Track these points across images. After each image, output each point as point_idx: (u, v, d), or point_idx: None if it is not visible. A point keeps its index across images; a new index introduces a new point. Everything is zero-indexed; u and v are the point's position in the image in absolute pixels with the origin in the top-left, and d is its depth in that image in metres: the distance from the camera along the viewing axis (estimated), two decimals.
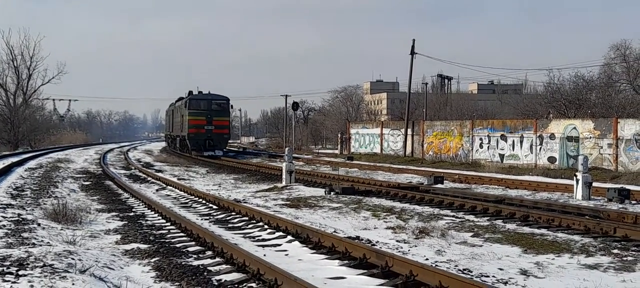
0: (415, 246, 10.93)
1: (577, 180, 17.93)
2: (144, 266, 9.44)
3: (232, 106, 48.97)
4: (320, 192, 19.66)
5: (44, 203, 16.08)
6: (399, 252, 10.22)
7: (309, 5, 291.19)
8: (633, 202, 16.99)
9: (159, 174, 28.33)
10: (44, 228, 12.16)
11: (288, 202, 17.55)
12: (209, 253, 10.23)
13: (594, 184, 18.72)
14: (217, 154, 44.59)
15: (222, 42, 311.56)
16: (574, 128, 30.32)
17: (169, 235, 12.04)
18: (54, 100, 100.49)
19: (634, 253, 10.28)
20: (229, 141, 56.46)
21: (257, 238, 11.94)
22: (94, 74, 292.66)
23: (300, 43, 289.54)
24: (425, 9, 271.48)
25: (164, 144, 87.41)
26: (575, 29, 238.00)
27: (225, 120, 48.66)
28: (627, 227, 11.98)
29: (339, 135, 53.76)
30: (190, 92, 51.20)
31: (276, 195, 19.59)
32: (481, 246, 11.00)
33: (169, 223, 13.58)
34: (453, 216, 14.49)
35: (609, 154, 28.35)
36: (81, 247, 10.48)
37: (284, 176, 22.80)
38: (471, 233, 12.16)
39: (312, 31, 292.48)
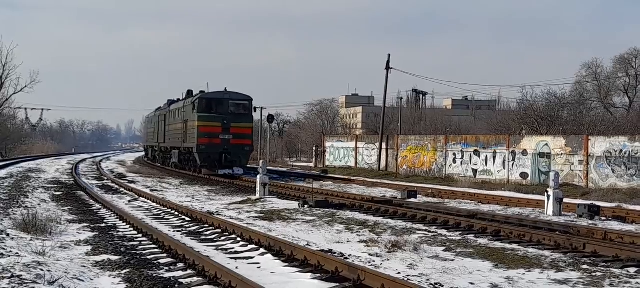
0: (388, 260, 10.96)
1: (549, 196, 18.11)
2: (115, 278, 9.35)
3: (255, 109, 37.15)
4: (294, 204, 19.64)
5: (14, 214, 15.86)
6: (371, 265, 10.24)
7: (285, 18, 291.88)
8: (603, 218, 17.20)
9: (132, 185, 28.10)
10: (13, 238, 11.98)
11: (261, 215, 17.50)
12: (180, 265, 10.16)
13: (565, 200, 18.91)
14: (237, 173, 33.92)
15: (198, 52, 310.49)
16: (546, 144, 30.67)
17: (140, 247, 11.95)
18: (26, 109, 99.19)
19: (603, 268, 10.41)
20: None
21: (229, 250, 11.89)
22: (68, 84, 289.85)
23: (276, 55, 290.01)
24: (402, 24, 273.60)
25: (138, 155, 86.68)
26: (547, 47, 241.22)
27: (247, 127, 36.12)
28: (596, 243, 12.13)
29: (314, 148, 53.77)
30: (190, 92, 40.60)
31: (250, 207, 19.53)
32: (453, 260, 11.07)
33: (140, 235, 13.47)
34: (426, 230, 14.55)
35: (580, 171, 28.70)
36: (51, 258, 10.36)
37: (258, 188, 22.74)
38: (443, 248, 12.23)
39: (288, 43, 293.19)
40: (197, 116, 35.20)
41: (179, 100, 43.31)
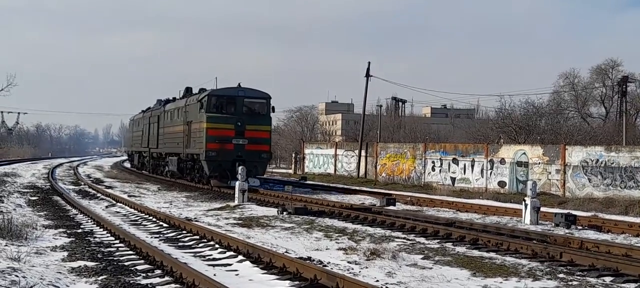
0: (366, 268, 10.96)
1: (526, 205, 18.24)
2: (91, 284, 9.27)
3: (273, 108, 31.50)
4: (273, 211, 19.60)
5: None
6: (350, 273, 10.24)
7: (264, 25, 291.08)
8: (579, 227, 17.36)
9: (109, 190, 27.88)
10: None
11: (240, 222, 17.44)
12: (158, 272, 10.09)
13: (542, 209, 19.06)
14: (253, 185, 27.24)
15: (175, 58, 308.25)
16: (524, 153, 30.90)
17: (117, 253, 11.85)
18: (2, 112, 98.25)
19: (579, 277, 10.49)
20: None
21: (207, 257, 11.83)
22: (46, 88, 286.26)
23: (255, 61, 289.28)
24: (381, 32, 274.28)
25: (115, 160, 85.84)
26: (526, 56, 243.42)
27: (264, 130, 30.77)
28: (572, 252, 12.23)
29: (293, 154, 53.77)
30: (189, 90, 35.86)
31: (228, 214, 19.45)
32: (431, 268, 11.10)
33: (118, 241, 13.36)
34: (404, 238, 14.59)
35: (557, 180, 28.95)
36: (26, 263, 10.24)
37: (236, 195, 22.66)
38: (422, 256, 12.26)
39: (268, 50, 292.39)
40: (206, 116, 29.78)
41: (175, 99, 38.45)
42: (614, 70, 62.22)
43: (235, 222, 17.47)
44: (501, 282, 10.09)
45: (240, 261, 11.19)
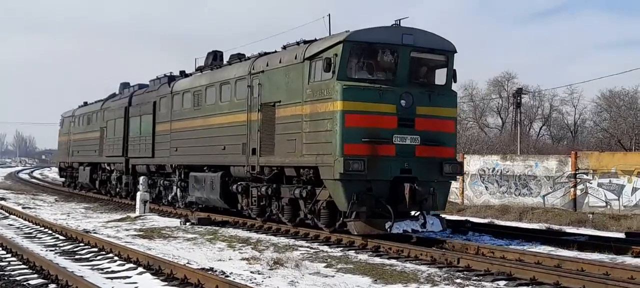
0: (269, 277, 10.94)
1: None
2: None
3: (454, 74, 15.84)
4: (175, 222, 19.27)
5: None
6: (253, 283, 10.20)
7: (170, 32, 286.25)
8: (476, 234, 17.94)
9: (2, 202, 26.62)
10: None
11: (141, 233, 17.05)
12: (52, 286, 9.75)
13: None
14: (432, 228, 15.50)
15: (75, 62, 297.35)
16: None
17: (9, 268, 11.34)
18: None
19: (475, 282, 10.85)
20: None
21: (106, 270, 11.50)
22: None
23: (157, 70, 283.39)
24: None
25: (9, 170, 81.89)
26: None
27: (448, 116, 15.86)
28: (469, 258, 12.62)
29: None
30: (218, 55, 21.94)
31: (129, 225, 18.97)
32: (333, 276, 11.20)
33: (9, 255, 12.79)
34: (308, 247, 14.66)
35: (456, 188, 29.79)
36: None
37: (137, 206, 22.12)
38: (324, 264, 12.35)
39: (171, 58, 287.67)
40: (341, 88, 14.44)
41: (185, 73, 23.61)
42: (510, 82, 64.99)
43: (136, 233, 17.06)
44: None
45: (141, 273, 10.94)
